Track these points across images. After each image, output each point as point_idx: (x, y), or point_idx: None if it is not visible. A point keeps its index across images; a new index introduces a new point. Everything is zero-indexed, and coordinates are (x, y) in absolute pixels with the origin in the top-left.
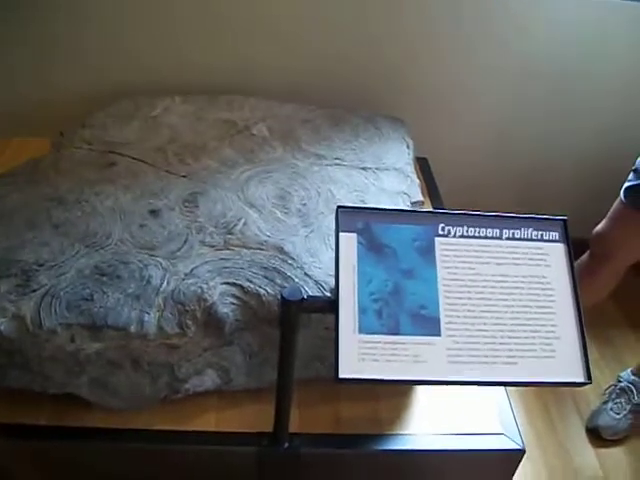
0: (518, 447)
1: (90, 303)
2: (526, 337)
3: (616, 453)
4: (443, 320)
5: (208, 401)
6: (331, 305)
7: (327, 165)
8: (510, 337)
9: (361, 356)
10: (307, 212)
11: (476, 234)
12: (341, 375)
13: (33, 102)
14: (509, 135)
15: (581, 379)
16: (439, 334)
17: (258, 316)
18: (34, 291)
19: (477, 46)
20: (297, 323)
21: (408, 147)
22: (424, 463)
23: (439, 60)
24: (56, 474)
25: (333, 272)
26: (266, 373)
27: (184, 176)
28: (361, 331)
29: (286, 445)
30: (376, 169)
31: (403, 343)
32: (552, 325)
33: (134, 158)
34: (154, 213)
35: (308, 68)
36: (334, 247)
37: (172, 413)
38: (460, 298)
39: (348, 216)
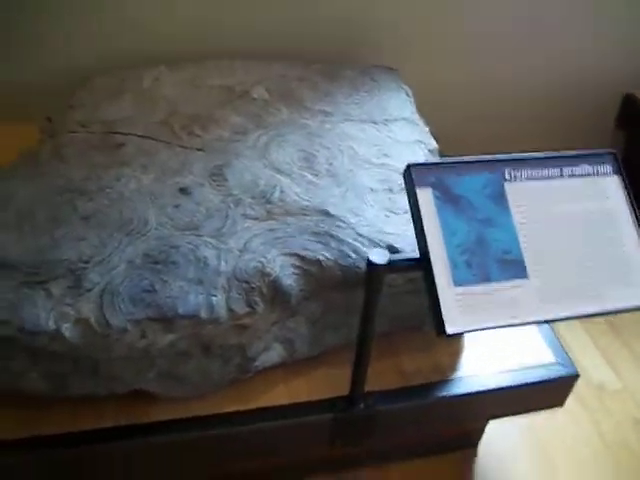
0: (573, 373)
1: (154, 294)
2: (603, 268)
3: None
4: (528, 262)
5: (274, 375)
6: (420, 263)
7: (338, 122)
8: (590, 270)
9: (460, 308)
10: (336, 172)
11: (540, 175)
12: (449, 331)
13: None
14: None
15: None
16: (526, 276)
17: (320, 283)
18: (89, 290)
19: None
20: (382, 285)
21: (408, 95)
22: (487, 402)
23: None
24: (130, 474)
25: (382, 229)
26: (327, 338)
27: (200, 149)
28: (456, 284)
29: (362, 405)
30: (386, 121)
31: (497, 290)
32: (625, 254)
33: (140, 135)
34: (184, 191)
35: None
36: (408, 204)
37: (241, 394)
38: (538, 239)
39: (420, 172)
